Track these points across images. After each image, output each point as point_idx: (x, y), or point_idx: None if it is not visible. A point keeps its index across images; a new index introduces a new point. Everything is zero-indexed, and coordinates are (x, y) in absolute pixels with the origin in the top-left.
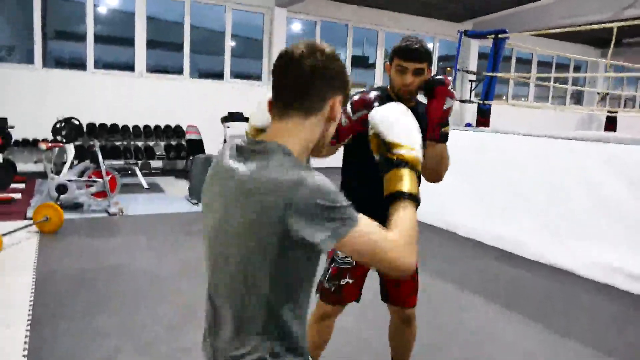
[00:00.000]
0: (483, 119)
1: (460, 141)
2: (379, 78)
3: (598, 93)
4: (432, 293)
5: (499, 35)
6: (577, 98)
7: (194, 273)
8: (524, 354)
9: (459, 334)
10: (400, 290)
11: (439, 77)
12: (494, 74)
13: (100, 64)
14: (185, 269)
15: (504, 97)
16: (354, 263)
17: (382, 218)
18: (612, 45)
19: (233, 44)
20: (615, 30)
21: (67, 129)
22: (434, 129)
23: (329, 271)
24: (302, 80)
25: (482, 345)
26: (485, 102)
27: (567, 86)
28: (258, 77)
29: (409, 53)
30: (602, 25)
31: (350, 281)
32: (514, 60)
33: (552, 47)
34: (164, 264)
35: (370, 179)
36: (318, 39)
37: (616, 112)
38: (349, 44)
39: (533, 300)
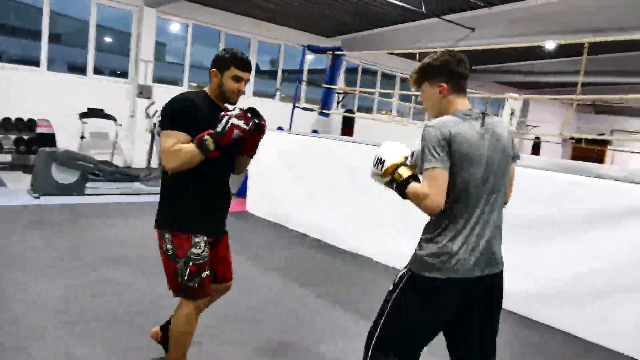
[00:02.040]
0: (347, 128)
1: (292, 144)
2: (250, 83)
3: None
4: (245, 275)
5: (336, 52)
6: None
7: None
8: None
9: (257, 303)
10: (227, 267)
11: (262, 123)
12: (330, 87)
13: None
14: None
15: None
16: (207, 256)
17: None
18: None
19: (110, 39)
20: None
21: None
22: (249, 153)
23: (188, 271)
24: None
25: (263, 311)
26: (323, 111)
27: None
28: (122, 74)
29: (247, 66)
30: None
31: (208, 272)
32: (379, 76)
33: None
34: None
35: (213, 176)
36: (189, 41)
37: None
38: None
39: (326, 278)
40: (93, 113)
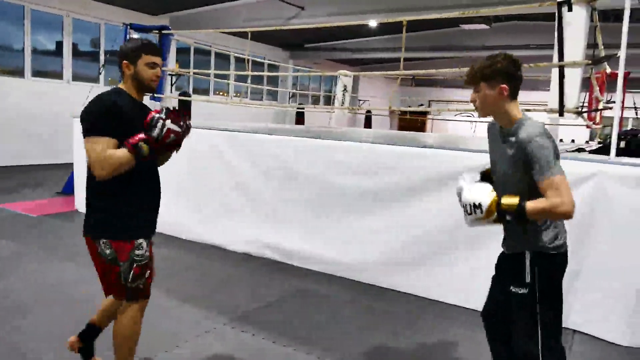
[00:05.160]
0: (184, 112)
1: None
2: (67, 66)
3: (291, 92)
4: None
5: (163, 32)
6: (274, 95)
7: None
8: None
9: None
10: None
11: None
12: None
13: None
14: None
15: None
16: (148, 256)
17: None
18: None
19: None
20: None
21: None
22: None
23: (132, 272)
24: None
25: None
26: (155, 95)
27: (262, 86)
28: None
29: (157, 49)
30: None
31: (149, 272)
32: (213, 56)
33: (246, 46)
34: None
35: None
36: None
37: (303, 108)
38: (27, 28)
39: (177, 274)
40: None
